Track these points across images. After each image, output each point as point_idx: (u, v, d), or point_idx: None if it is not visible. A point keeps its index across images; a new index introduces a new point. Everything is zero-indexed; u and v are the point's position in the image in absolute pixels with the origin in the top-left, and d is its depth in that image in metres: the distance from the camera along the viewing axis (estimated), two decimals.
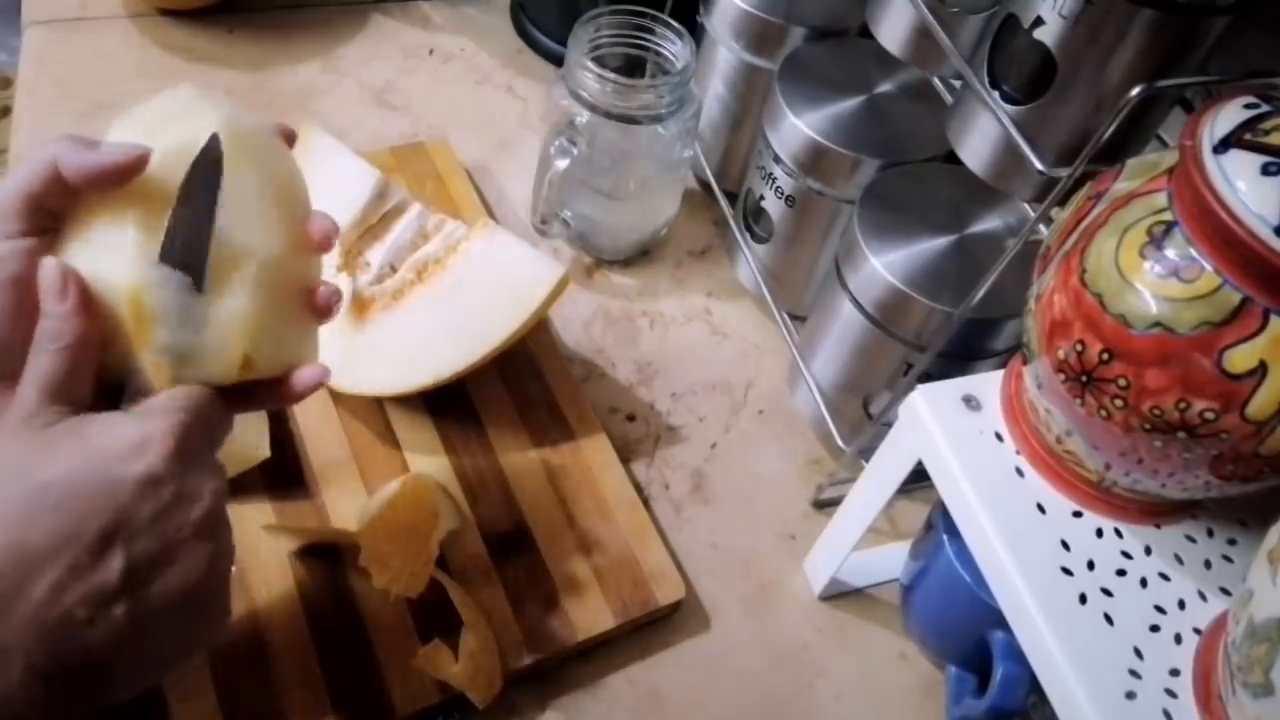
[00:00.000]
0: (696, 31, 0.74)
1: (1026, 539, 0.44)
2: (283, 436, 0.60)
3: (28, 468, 0.35)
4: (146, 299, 0.39)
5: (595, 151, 0.69)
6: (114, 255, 0.39)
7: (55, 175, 0.38)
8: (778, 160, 0.66)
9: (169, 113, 0.42)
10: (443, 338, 0.60)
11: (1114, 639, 0.42)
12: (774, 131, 0.66)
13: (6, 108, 1.64)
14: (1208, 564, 0.46)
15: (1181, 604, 0.44)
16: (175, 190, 0.39)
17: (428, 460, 0.61)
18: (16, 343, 0.38)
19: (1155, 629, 0.43)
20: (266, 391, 0.43)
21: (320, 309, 0.44)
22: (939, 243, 0.58)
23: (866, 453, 0.56)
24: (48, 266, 0.38)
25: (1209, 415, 0.37)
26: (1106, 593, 0.43)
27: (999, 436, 0.48)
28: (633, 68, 0.72)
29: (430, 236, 0.64)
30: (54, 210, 0.39)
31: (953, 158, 0.55)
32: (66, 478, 0.35)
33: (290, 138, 0.45)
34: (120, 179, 0.39)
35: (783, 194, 0.68)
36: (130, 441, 0.36)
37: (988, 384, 0.50)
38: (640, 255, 0.78)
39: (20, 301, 0.38)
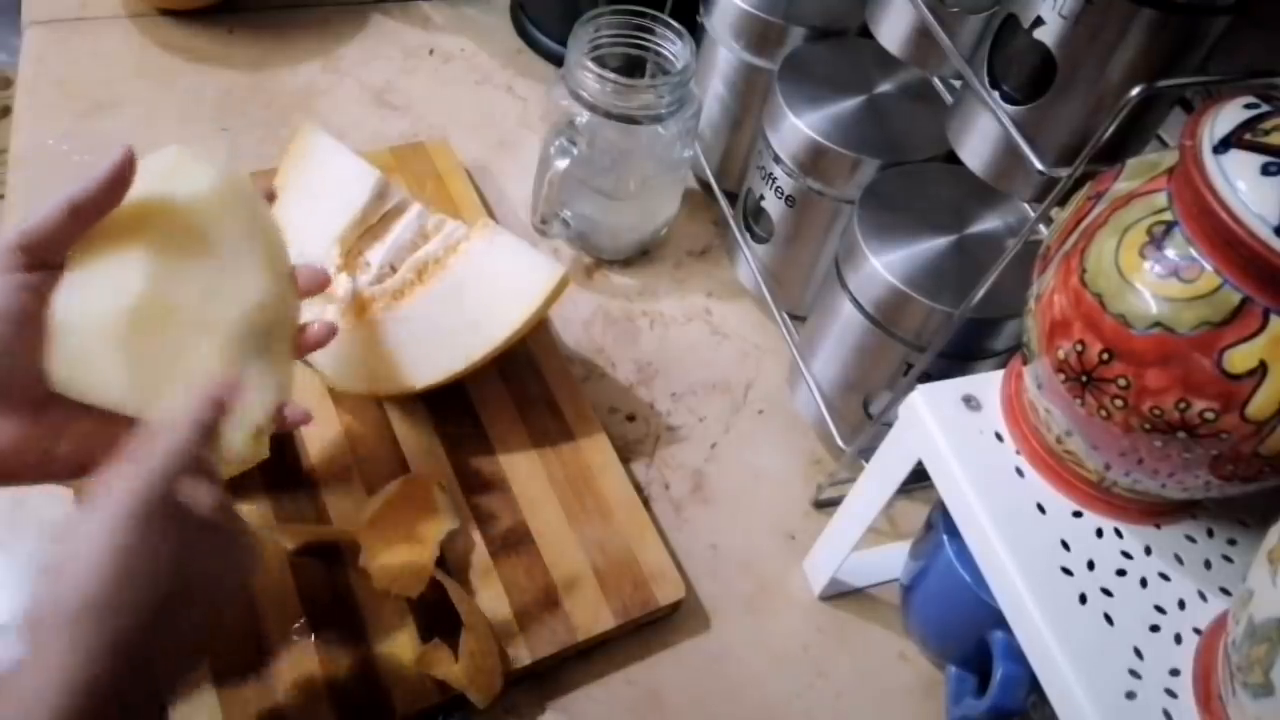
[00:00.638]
0: (696, 31, 0.74)
1: (1026, 539, 0.44)
2: (283, 436, 0.60)
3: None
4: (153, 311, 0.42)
5: (595, 151, 0.69)
6: (120, 277, 0.42)
7: (67, 210, 0.41)
8: (778, 160, 0.66)
9: (162, 170, 0.45)
10: (443, 338, 0.60)
11: (1114, 639, 0.42)
12: (774, 131, 0.66)
13: (6, 108, 1.64)
14: (1208, 564, 0.46)
15: (1181, 604, 0.44)
16: (165, 226, 0.43)
17: (428, 460, 0.61)
18: (8, 372, 0.40)
19: (1155, 629, 0.43)
20: None
21: (309, 345, 0.48)
22: (939, 243, 0.58)
23: (866, 453, 0.56)
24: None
25: (1209, 415, 0.37)
26: (1106, 593, 0.43)
27: (999, 436, 0.48)
28: (633, 68, 0.72)
29: (430, 236, 0.64)
30: (62, 247, 0.42)
31: (953, 158, 0.55)
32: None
33: (270, 195, 0.50)
34: (122, 180, 0.41)
35: (783, 194, 0.68)
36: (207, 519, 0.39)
37: (988, 384, 0.50)
38: (640, 255, 0.78)
39: (15, 335, 0.40)
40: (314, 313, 0.61)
